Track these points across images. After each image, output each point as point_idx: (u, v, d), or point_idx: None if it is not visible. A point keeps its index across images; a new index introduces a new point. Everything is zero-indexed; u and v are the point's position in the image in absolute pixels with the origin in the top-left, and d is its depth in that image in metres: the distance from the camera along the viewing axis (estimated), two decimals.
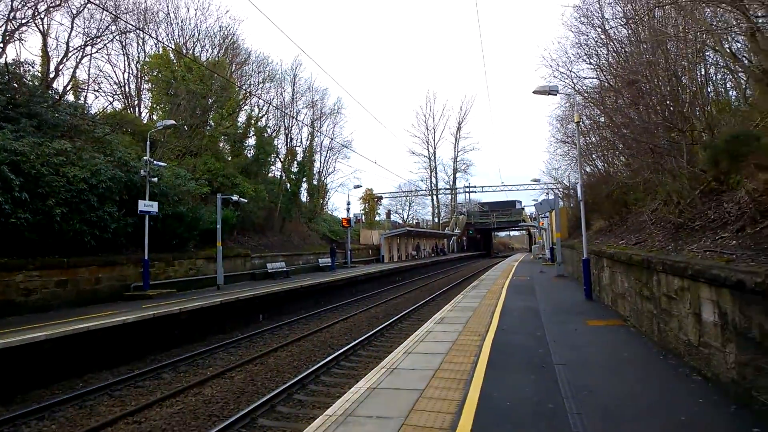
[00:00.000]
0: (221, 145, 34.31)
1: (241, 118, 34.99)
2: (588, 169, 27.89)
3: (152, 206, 18.27)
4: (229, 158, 32.99)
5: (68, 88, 20.16)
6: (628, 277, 10.87)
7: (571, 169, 35.90)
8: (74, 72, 20.63)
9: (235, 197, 21.84)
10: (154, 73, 28.43)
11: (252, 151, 33.95)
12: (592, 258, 15.85)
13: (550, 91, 16.26)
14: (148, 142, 18.82)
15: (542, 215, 41.53)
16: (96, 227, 16.43)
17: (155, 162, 18.82)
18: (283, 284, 23.11)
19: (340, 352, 13.34)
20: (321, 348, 14.51)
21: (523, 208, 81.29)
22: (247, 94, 32.67)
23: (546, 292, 18.52)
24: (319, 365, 11.87)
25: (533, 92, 16.16)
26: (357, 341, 14.73)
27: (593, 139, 25.46)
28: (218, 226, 20.80)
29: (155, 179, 18.52)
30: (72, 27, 19.93)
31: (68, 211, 15.37)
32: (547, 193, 42.75)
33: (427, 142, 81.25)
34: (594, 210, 24.22)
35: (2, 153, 13.27)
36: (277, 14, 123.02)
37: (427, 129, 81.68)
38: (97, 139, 18.48)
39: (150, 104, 30.03)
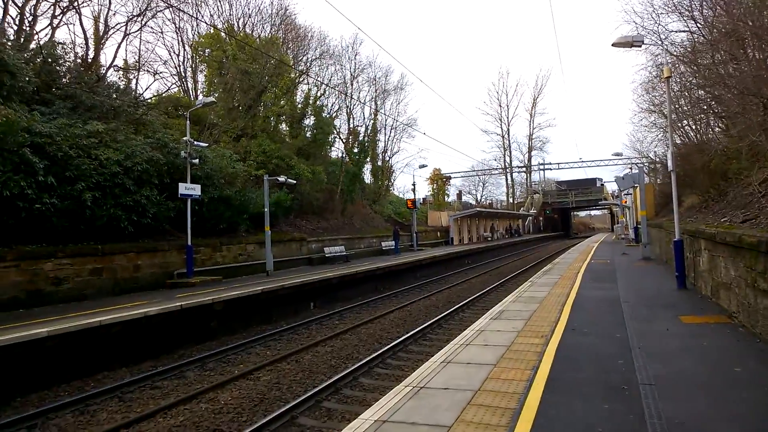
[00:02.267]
0: (279, 125, 33.39)
1: (299, 98, 33.89)
2: (678, 141, 24.31)
3: (194, 189, 17.27)
4: (288, 139, 31.96)
5: (109, 69, 19.58)
6: (736, 264, 8.32)
7: (657, 140, 31.99)
8: (116, 52, 20.04)
9: (282, 178, 20.55)
10: (206, 54, 27.70)
11: (310, 131, 32.73)
12: (686, 239, 13.08)
13: (633, 43, 13.42)
14: (188, 122, 17.82)
15: (625, 192, 37.75)
16: (133, 212, 15.59)
17: (196, 142, 17.78)
18: (338, 270, 21.71)
19: (385, 348, 11.61)
20: (366, 343, 12.87)
21: (603, 185, 75.73)
22: (303, 73, 31.36)
23: (629, 278, 15.81)
24: (357, 365, 10.21)
25: (612, 45, 13.43)
26: (407, 335, 12.98)
27: (683, 107, 21.85)
28: (266, 210, 19.59)
29: (196, 161, 17.47)
30: (110, 4, 19.24)
31: (101, 195, 14.57)
32: (631, 168, 38.66)
33: (500, 120, 77.55)
34: (685, 184, 20.76)
35: (24, 135, 12.47)
36: None
37: (500, 106, 77.89)
38: (137, 121, 17.68)
39: (202, 86, 29.43)
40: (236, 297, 13.90)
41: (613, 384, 5.48)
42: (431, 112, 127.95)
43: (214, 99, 20.71)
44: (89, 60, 18.85)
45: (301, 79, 32.80)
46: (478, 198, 79.13)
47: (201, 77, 30.32)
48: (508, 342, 7.58)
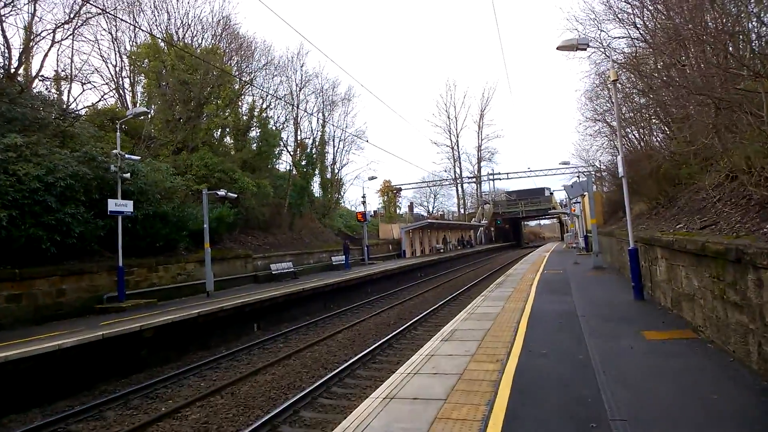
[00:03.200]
0: (223, 138, 32.19)
1: (244, 109, 32.80)
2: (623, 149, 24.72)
3: (126, 205, 16.07)
4: (232, 152, 30.78)
5: (35, 79, 18.03)
6: (699, 274, 8.05)
7: (603, 149, 32.74)
8: (43, 61, 18.63)
9: (222, 192, 19.50)
10: (144, 65, 26.33)
11: (255, 144, 31.67)
12: (640, 247, 12.98)
13: (578, 46, 13.33)
14: (118, 133, 16.60)
15: (574, 200, 38.37)
16: (56, 232, 14.27)
17: (128, 156, 16.57)
18: (285, 287, 20.78)
19: (331, 375, 10.88)
20: (311, 369, 12.07)
21: (552, 194, 77.47)
22: (246, 83, 30.37)
23: (584, 289, 15.67)
24: (299, 396, 9.44)
25: (557, 48, 13.29)
26: (355, 358, 12.30)
27: (625, 114, 22.17)
28: (205, 226, 18.47)
29: (127, 175, 16.27)
30: (34, 11, 17.85)
31: (18, 214, 13.24)
32: (578, 176, 39.43)
33: (449, 131, 78.30)
34: (633, 191, 20.92)
35: None
36: (278, 2, 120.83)
37: (449, 118, 78.70)
38: (63, 133, 16.35)
39: (141, 98, 27.94)
40: (169, 322, 12.85)
41: (580, 420, 4.95)
42: (381, 123, 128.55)
43: (146, 109, 19.57)
44: (12, 70, 17.36)
45: (245, 90, 31.76)
46: (430, 209, 79.44)
47: (140, 89, 28.89)
48: (461, 369, 7.03)
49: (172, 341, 13.15)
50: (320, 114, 40.96)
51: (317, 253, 32.20)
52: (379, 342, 14.08)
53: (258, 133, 31.99)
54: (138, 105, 28.58)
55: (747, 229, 7.16)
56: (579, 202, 37.10)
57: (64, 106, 18.28)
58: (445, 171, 78.47)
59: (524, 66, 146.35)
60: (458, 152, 77.77)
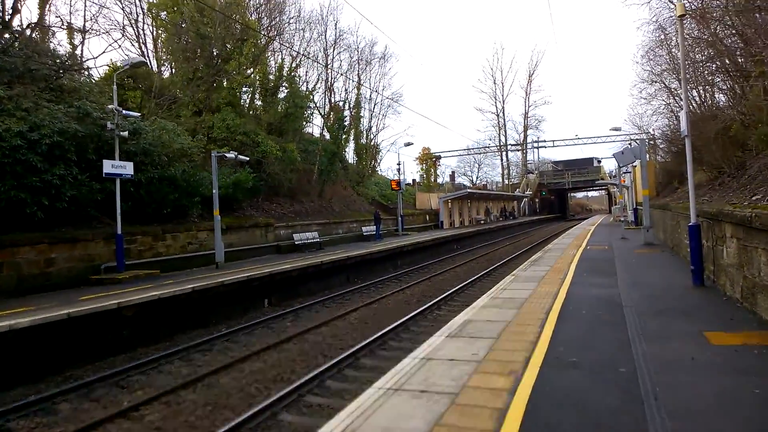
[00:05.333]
0: (252, 99, 30.66)
1: (272, 68, 31.01)
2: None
3: (124, 167, 14.71)
4: (260, 114, 29.22)
5: (29, 27, 16.61)
6: None
7: (658, 113, 29.40)
8: (43, 8, 17.21)
9: (232, 154, 17.90)
10: (162, 17, 24.86)
11: (282, 105, 29.97)
12: (702, 223, 10.61)
13: None
14: (114, 86, 15.09)
15: (624, 170, 35.21)
16: (43, 194, 13.01)
17: (125, 112, 15.10)
18: (305, 259, 19.31)
19: (328, 365, 9.24)
20: (309, 355, 10.49)
21: (600, 164, 73.14)
22: (272, 39, 28.50)
23: (631, 269, 13.40)
24: (282, 394, 7.84)
25: None
26: (363, 343, 10.65)
27: (687, 74, 19.25)
28: (214, 191, 16.97)
29: (125, 133, 14.83)
30: None
31: None
32: (630, 144, 36.05)
33: (495, 98, 74.61)
34: (693, 159, 18.17)
35: None
36: None
37: (495, 83, 74.97)
38: (61, 87, 15.05)
39: (160, 54, 26.56)
40: (155, 299, 11.44)
41: None
42: (420, 89, 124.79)
43: (143, 59, 18.08)
44: (7, 17, 16.08)
45: (271, 47, 29.98)
46: (474, 179, 76.77)
47: (161, 44, 27.50)
48: (458, 385, 5.15)
49: (163, 319, 11.81)
50: (355, 75, 38.85)
51: (347, 223, 30.61)
52: (395, 324, 12.39)
53: (286, 94, 30.26)
54: (163, 62, 27.38)
55: None
56: (629, 172, 34.04)
57: (66, 59, 16.86)
58: (490, 139, 75.32)
59: (575, 26, 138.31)
60: (504, 119, 74.25)
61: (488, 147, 74.72)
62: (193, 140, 19.11)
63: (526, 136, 75.39)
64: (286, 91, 30.24)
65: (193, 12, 23.62)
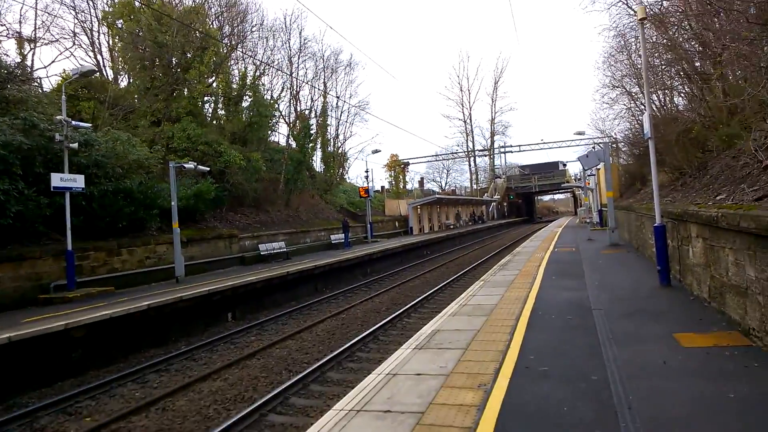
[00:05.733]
0: (214, 110, 30.01)
1: (236, 77, 30.36)
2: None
3: (74, 181, 14.02)
4: (223, 123, 28.56)
5: None
6: (758, 260, 5.75)
7: (620, 117, 30.04)
8: None
9: (190, 165, 17.32)
10: (118, 26, 24.08)
11: (246, 114, 29.36)
12: (667, 224, 10.64)
13: None
14: (63, 96, 14.40)
15: (588, 173, 35.85)
16: None
17: (75, 123, 14.38)
18: (271, 270, 18.81)
19: (292, 381, 8.86)
20: (273, 371, 10.09)
21: (565, 168, 74.43)
22: (233, 48, 27.98)
23: (599, 270, 13.40)
24: (242, 414, 7.42)
25: None
26: (330, 356, 10.30)
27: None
28: (173, 203, 16.36)
29: (75, 145, 14.13)
30: None
31: None
32: (594, 147, 36.69)
33: (462, 104, 75.30)
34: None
35: None
36: None
37: (462, 90, 75.53)
38: (5, 99, 14.28)
39: (117, 63, 25.74)
40: (107, 318, 10.84)
41: None
42: (387, 97, 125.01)
43: (93, 67, 17.37)
44: None
45: (234, 55, 29.45)
46: (443, 185, 77.12)
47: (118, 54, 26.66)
48: (425, 402, 4.88)
49: (116, 339, 11.21)
50: (321, 83, 38.53)
51: (315, 232, 30.15)
52: (363, 334, 12.13)
53: (250, 103, 29.68)
54: (117, 71, 26.56)
55: None
56: (594, 175, 34.71)
57: (12, 69, 16.05)
58: (458, 146, 75.86)
59: (539, 33, 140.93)
60: (471, 126, 75.02)
61: (456, 153, 75.27)
62: (150, 151, 18.42)
63: (493, 142, 76.29)
64: (250, 99, 29.70)
65: (151, 20, 22.95)
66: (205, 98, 28.11)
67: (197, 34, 24.70)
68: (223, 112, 30.35)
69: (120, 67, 25.95)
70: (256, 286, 16.27)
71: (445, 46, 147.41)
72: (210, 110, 29.58)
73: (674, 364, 5.52)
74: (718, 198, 8.87)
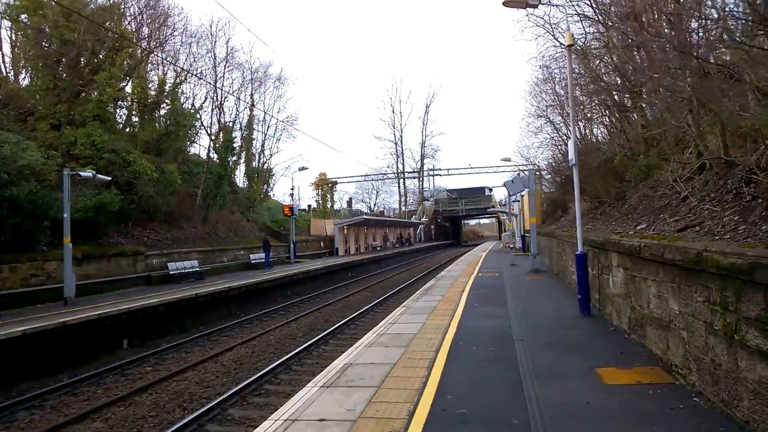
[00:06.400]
0: (129, 117, 27.89)
1: (154, 83, 28.44)
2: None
3: None
4: (137, 132, 26.50)
5: None
6: (685, 295, 5.44)
7: (544, 146, 31.06)
8: None
9: (87, 173, 15.59)
10: (21, 20, 21.80)
11: (163, 122, 27.47)
12: (589, 252, 10.51)
13: (529, 3, 10.86)
14: None
15: (513, 198, 36.64)
16: None
17: None
18: (179, 291, 17.27)
19: (181, 424, 7.70)
20: (163, 411, 8.89)
21: (492, 193, 76.57)
22: (151, 51, 26.21)
23: (521, 297, 13.17)
24: None
25: (504, 4, 10.68)
26: (228, 394, 9.18)
27: (568, 110, 20.27)
28: (65, 215, 14.55)
29: None
30: None
31: None
32: (519, 173, 37.69)
33: (394, 126, 76.10)
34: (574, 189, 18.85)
35: None
36: None
37: (393, 113, 76.44)
38: None
39: (18, 60, 23.34)
40: None
41: None
42: (319, 115, 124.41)
43: None
44: None
45: (153, 60, 27.60)
46: (372, 206, 76.92)
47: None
48: None
49: None
50: (247, 95, 37.12)
51: (233, 250, 28.54)
52: (274, 365, 11.12)
53: (167, 111, 27.81)
54: (18, 68, 24.12)
55: (765, 234, 4.58)
56: (518, 201, 35.51)
57: None
58: (388, 167, 76.17)
59: (471, 61, 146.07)
60: (402, 148, 75.80)
61: (386, 174, 75.56)
62: (46, 157, 16.45)
63: (422, 165, 77.31)
64: (168, 107, 27.85)
65: (59, 16, 20.94)
66: (119, 103, 26.01)
67: (110, 34, 22.85)
68: (137, 119, 28.25)
69: (21, 64, 23.53)
70: (159, 310, 14.78)
71: (378, 68, 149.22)
72: (124, 117, 27.43)
73: (598, 405, 5.10)
74: (638, 227, 8.75)
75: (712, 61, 7.03)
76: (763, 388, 3.90)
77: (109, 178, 17.38)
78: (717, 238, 5.14)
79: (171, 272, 20.91)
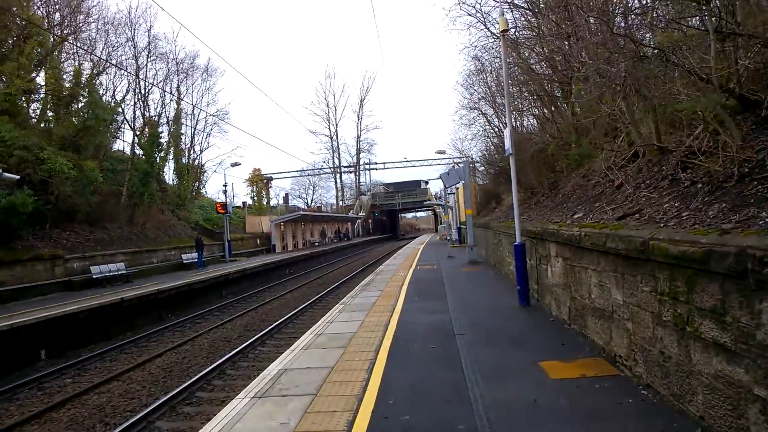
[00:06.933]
0: (43, 111, 25.90)
1: (69, 74, 26.51)
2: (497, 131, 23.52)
3: None
4: (50, 126, 24.69)
5: None
6: (630, 284, 5.46)
7: (477, 138, 31.70)
8: None
9: None
10: None
11: (80, 117, 25.68)
12: (526, 242, 10.66)
13: None
14: None
15: (449, 191, 37.12)
16: None
17: None
18: (104, 296, 16.22)
19: None
20: (79, 431, 8.18)
21: (428, 186, 77.54)
22: (64, 39, 24.43)
23: (459, 290, 13.23)
24: None
25: None
26: (154, 406, 8.68)
27: (501, 102, 20.64)
28: None
29: None
30: None
31: None
32: (454, 166, 38.24)
33: (329, 120, 75.04)
34: (508, 179, 19.16)
35: None
36: None
37: (328, 107, 75.30)
38: None
39: None
40: None
41: None
42: (251, 110, 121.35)
43: None
44: None
45: (68, 49, 25.74)
46: (309, 202, 76.06)
47: None
48: None
49: None
50: (174, 87, 35.49)
51: (164, 251, 27.22)
52: (205, 371, 10.56)
53: (85, 104, 26.02)
54: None
55: (712, 220, 4.62)
56: (453, 193, 35.98)
57: None
58: (324, 162, 75.34)
59: (405, 53, 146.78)
60: (337, 142, 75.04)
61: (322, 169, 74.77)
62: None
63: (359, 159, 76.98)
64: (85, 100, 26.07)
65: None
66: (31, 96, 24.08)
67: (17, 21, 21.10)
68: (52, 113, 26.31)
69: None
70: (80, 317, 13.79)
71: (311, 60, 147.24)
72: (37, 111, 25.44)
73: (545, 403, 5.00)
74: (575, 216, 8.89)
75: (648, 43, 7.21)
76: (720, 382, 3.87)
77: (19, 177, 16.02)
78: (662, 225, 5.15)
79: (94, 276, 19.61)
